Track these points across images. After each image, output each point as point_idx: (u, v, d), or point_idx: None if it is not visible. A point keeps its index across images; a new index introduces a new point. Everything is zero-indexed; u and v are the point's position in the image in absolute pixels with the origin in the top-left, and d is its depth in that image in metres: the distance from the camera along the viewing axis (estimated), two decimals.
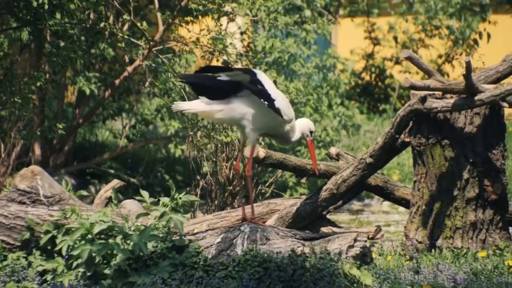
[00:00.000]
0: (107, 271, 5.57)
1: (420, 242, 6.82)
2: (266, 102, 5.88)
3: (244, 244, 5.59)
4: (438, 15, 17.28)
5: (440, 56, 18.05)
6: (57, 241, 5.74)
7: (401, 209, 12.17)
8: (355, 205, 13.64)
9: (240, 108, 5.97)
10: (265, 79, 5.95)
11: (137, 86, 13.05)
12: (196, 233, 6.38)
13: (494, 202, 6.75)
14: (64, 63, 9.42)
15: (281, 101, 5.97)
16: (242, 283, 5.33)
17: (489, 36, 16.44)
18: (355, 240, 5.68)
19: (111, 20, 9.85)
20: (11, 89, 9.27)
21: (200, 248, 5.58)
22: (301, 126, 6.31)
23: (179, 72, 10.37)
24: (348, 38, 19.63)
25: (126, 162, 14.36)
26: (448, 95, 6.72)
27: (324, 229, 7.22)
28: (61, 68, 9.66)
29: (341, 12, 18.37)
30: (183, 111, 6.00)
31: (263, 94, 5.88)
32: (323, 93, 14.77)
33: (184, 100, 10.59)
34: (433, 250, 6.73)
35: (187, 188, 8.01)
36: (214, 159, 8.34)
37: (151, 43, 9.70)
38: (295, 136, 6.28)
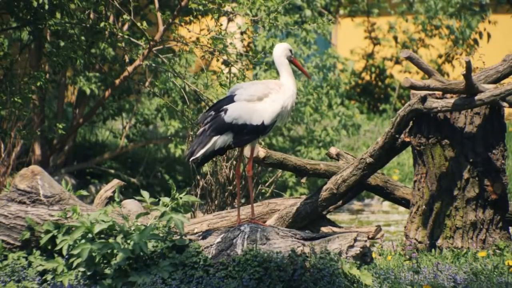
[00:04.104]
0: (107, 271, 5.57)
1: (420, 242, 6.82)
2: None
3: (244, 244, 5.59)
4: (438, 14, 17.27)
5: (440, 56, 18.04)
6: (58, 240, 5.73)
7: (401, 209, 12.17)
8: (355, 205, 13.64)
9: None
10: (237, 107, 5.79)
11: (137, 86, 13.06)
12: (196, 233, 6.38)
13: (494, 202, 6.74)
14: (64, 63, 9.42)
15: (269, 111, 5.83)
16: (242, 283, 5.33)
17: (489, 36, 16.43)
18: (355, 240, 5.68)
19: (111, 20, 9.85)
20: (11, 89, 9.27)
21: (200, 248, 5.58)
22: (280, 57, 5.97)
23: (179, 72, 10.36)
24: (348, 38, 19.62)
25: (126, 162, 14.36)
26: (448, 95, 6.71)
27: (324, 229, 7.22)
28: (61, 68, 9.66)
29: (341, 12, 18.36)
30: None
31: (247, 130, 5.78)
32: (323, 93, 14.77)
33: (184, 100, 10.58)
34: (433, 250, 6.73)
35: (187, 188, 8.01)
36: (214, 159, 8.33)
37: (151, 43, 9.70)
38: (291, 90, 5.94)
